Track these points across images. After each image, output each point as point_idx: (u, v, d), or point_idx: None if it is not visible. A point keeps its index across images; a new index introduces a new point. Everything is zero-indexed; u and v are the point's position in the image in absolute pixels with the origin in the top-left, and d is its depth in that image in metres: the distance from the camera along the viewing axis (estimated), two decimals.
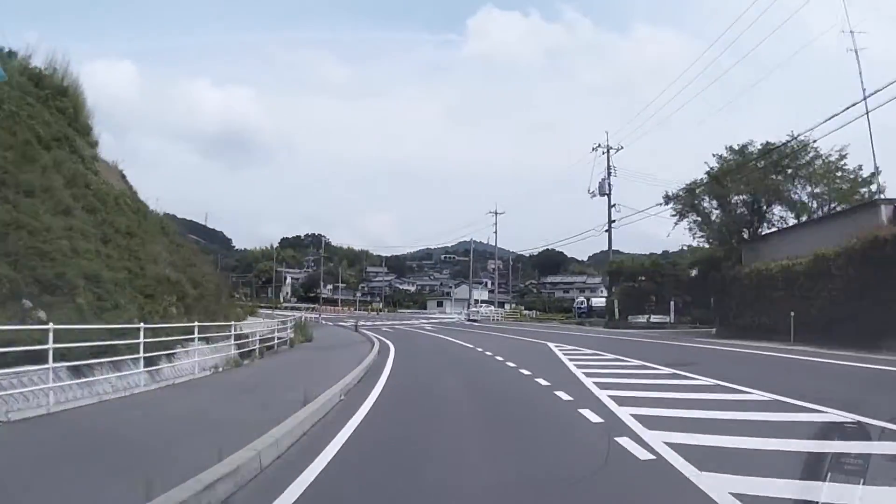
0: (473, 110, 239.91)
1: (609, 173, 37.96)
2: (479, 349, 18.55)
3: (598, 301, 68.95)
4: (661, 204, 30.43)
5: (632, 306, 36.19)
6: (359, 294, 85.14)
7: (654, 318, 34.90)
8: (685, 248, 36.57)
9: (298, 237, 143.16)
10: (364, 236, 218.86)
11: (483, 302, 79.68)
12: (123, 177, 25.44)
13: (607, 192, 37.58)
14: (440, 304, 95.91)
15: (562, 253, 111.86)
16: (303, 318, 29.72)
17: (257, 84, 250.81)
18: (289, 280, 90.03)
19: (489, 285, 52.83)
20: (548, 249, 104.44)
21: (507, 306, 64.82)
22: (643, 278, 36.62)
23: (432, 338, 27.36)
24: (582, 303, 68.94)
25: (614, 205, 37.51)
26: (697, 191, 29.26)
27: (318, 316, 47.56)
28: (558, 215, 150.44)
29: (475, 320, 47.90)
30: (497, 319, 49.54)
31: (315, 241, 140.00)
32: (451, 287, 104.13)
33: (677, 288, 35.94)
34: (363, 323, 41.89)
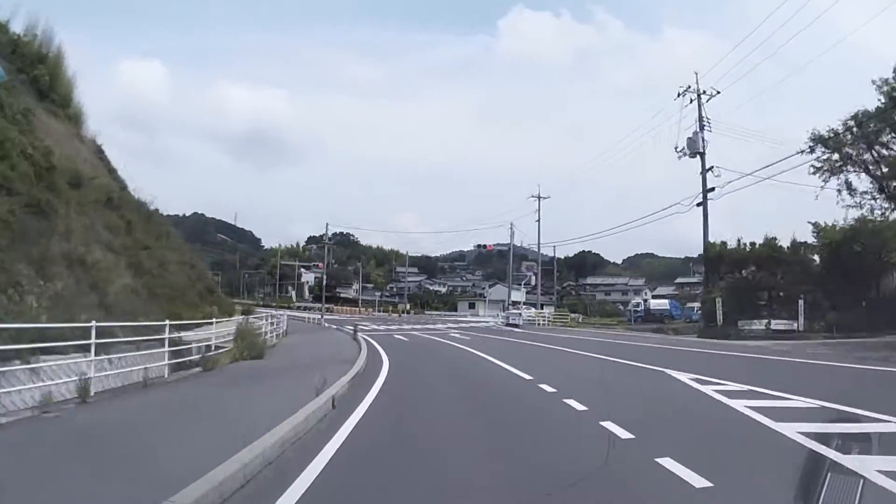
0: (505, 111, 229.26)
1: (701, 126, 27.82)
2: (550, 388, 9.05)
3: (658, 303, 59.13)
4: (803, 152, 20.16)
5: (737, 306, 25.90)
6: (378, 294, 75.90)
7: (775, 325, 24.58)
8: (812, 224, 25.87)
9: (325, 235, 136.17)
10: (394, 237, 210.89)
11: (523, 304, 70.46)
12: (100, 151, 22.97)
13: (700, 149, 27.38)
14: (472, 306, 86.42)
15: (598, 255, 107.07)
16: (249, 321, 20.28)
17: (287, 85, 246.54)
18: (306, 278, 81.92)
19: (532, 280, 42.63)
20: (583, 251, 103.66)
21: (545, 308, 55.31)
22: (754, 268, 26.31)
23: (460, 356, 17.13)
24: (638, 305, 59.16)
25: (710, 168, 27.31)
26: (859, 129, 18.95)
27: (319, 317, 38.64)
28: (594, 215, 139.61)
29: (516, 325, 38.00)
30: (543, 324, 39.45)
31: (343, 239, 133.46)
32: (484, 287, 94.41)
33: (804, 281, 25.57)
34: (375, 328, 32.91)
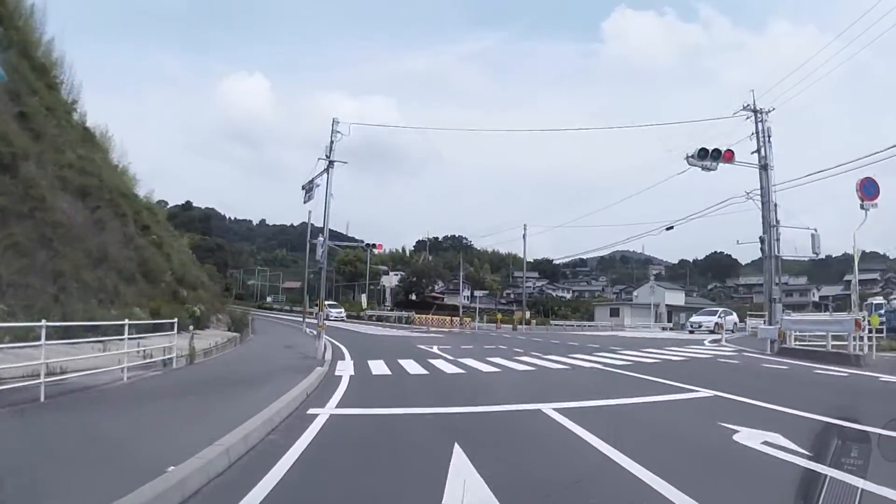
0: (617, 115, 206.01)
1: None
2: None
3: None
4: None
5: None
6: (477, 297, 54.66)
7: None
8: None
9: (436, 238, 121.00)
10: (512, 243, 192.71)
11: (703, 311, 46.37)
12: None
13: None
14: (615, 313, 63.17)
15: (729, 256, 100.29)
16: None
17: (399, 95, 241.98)
18: (386, 280, 64.06)
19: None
20: (715, 253, 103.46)
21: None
22: None
23: None
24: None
25: None
26: None
27: (313, 326, 17.48)
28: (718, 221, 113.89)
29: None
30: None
31: (455, 242, 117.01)
32: (629, 292, 69.71)
33: None
34: (435, 366, 11.68)
